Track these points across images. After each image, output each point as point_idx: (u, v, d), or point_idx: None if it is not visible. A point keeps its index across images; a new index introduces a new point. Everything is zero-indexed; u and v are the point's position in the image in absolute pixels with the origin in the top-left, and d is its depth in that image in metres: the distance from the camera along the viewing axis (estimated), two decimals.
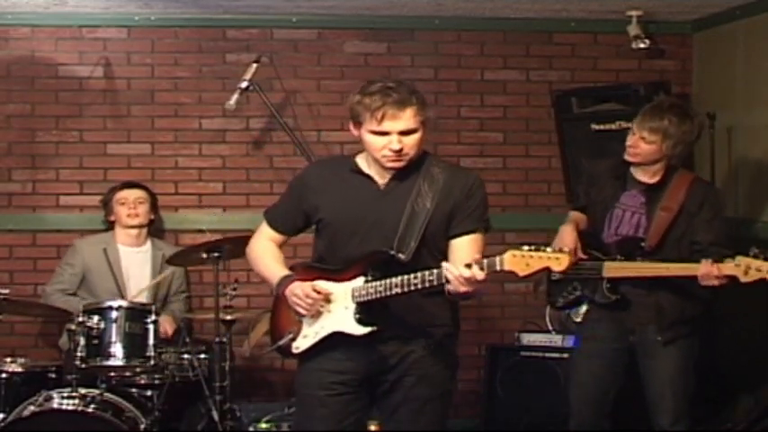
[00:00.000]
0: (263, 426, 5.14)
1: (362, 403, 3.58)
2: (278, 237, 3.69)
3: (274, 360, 5.88)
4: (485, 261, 3.22)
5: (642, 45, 5.77)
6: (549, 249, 3.16)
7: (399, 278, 3.32)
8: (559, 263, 3.14)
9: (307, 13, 5.82)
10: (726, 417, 5.02)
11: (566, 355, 5.30)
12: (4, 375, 4.78)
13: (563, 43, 6.05)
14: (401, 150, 3.39)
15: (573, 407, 4.47)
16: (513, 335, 5.63)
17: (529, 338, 5.52)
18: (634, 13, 5.69)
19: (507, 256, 3.18)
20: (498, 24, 5.96)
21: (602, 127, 5.50)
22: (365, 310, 3.41)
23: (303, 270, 3.59)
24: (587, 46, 6.05)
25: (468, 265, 3.22)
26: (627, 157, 4.30)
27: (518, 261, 3.16)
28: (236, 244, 5.04)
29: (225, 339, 4.97)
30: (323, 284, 3.46)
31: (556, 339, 5.43)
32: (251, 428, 5.13)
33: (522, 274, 3.18)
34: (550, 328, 5.52)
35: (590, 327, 4.45)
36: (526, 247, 3.17)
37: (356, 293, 3.42)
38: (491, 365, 5.50)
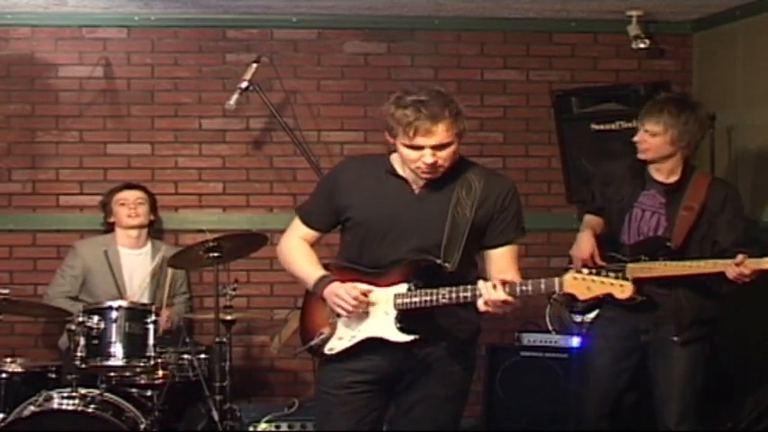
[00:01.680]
0: (263, 426, 5.14)
1: (382, 401, 3.58)
2: (311, 234, 3.63)
3: (274, 360, 5.89)
4: (527, 283, 3.25)
5: (642, 45, 5.78)
6: (611, 275, 3.16)
7: (448, 290, 3.32)
8: (623, 290, 3.14)
9: (307, 13, 5.82)
10: (726, 417, 5.02)
11: (566, 356, 5.30)
12: (4, 375, 4.77)
13: (563, 43, 6.05)
14: (435, 164, 3.36)
15: (576, 405, 4.46)
16: (513, 335, 5.63)
17: (529, 338, 5.52)
18: (634, 13, 5.69)
19: (568, 278, 3.18)
20: (498, 24, 5.96)
21: (602, 127, 5.50)
22: (407, 318, 3.39)
23: (339, 270, 3.54)
24: (587, 46, 6.05)
25: (494, 286, 3.25)
26: (640, 155, 4.32)
27: (579, 284, 3.17)
28: (236, 244, 5.07)
29: (225, 339, 4.97)
30: (367, 288, 3.43)
31: (556, 339, 5.43)
32: (251, 428, 5.13)
33: (582, 297, 3.19)
34: (550, 328, 5.51)
35: (602, 325, 4.46)
36: (586, 270, 3.17)
37: (399, 300, 3.39)
38: (491, 365, 5.49)
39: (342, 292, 3.41)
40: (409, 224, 3.43)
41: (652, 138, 4.24)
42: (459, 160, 3.49)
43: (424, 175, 3.41)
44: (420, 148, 3.33)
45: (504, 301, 3.25)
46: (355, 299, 3.40)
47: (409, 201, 3.46)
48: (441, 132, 3.32)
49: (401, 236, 3.44)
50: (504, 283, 3.26)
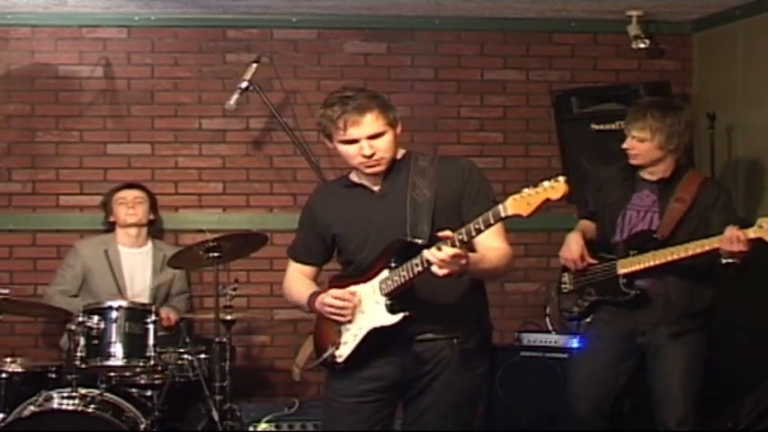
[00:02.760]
0: (263, 426, 5.14)
1: (389, 410, 3.59)
2: (308, 270, 3.70)
3: (274, 360, 5.89)
4: (477, 222, 3.20)
5: (642, 45, 5.78)
6: (545, 183, 3.13)
7: (417, 258, 3.30)
8: (555, 190, 3.11)
9: (307, 13, 5.82)
10: (726, 416, 5.02)
11: (566, 356, 5.30)
12: (4, 375, 4.77)
13: (563, 43, 6.05)
14: (373, 154, 3.43)
15: (570, 405, 4.46)
16: (513, 335, 5.63)
17: (529, 338, 5.51)
18: (634, 13, 5.70)
19: (509, 201, 3.16)
20: (498, 24, 5.96)
21: (602, 127, 5.49)
22: (395, 299, 3.40)
23: (333, 285, 3.58)
24: (587, 46, 6.05)
25: (439, 248, 3.22)
26: (631, 161, 4.33)
27: (519, 203, 3.14)
28: (236, 244, 5.07)
29: (225, 339, 4.97)
30: (361, 296, 3.46)
31: (556, 339, 5.42)
32: (251, 428, 5.13)
33: (525, 214, 3.16)
34: (550, 328, 5.51)
35: (598, 327, 4.46)
36: (525, 190, 3.15)
37: (383, 285, 3.42)
38: (491, 365, 5.48)
39: (328, 300, 3.47)
40: (380, 222, 3.49)
41: (640, 143, 4.26)
42: (409, 154, 3.55)
43: (368, 170, 3.47)
44: (355, 141, 3.41)
45: (454, 256, 3.21)
46: (339, 298, 3.44)
47: (372, 201, 3.53)
48: (369, 122, 3.40)
49: (378, 236, 3.48)
50: (444, 238, 3.24)
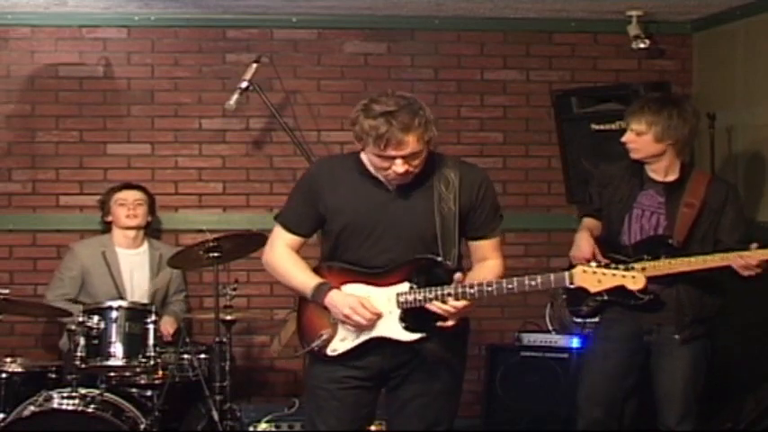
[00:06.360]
0: (263, 426, 5.14)
1: (373, 396, 3.60)
2: (296, 240, 3.59)
3: (274, 360, 5.89)
4: (535, 278, 3.33)
5: (642, 45, 5.78)
6: (621, 267, 3.20)
7: (452, 287, 3.34)
8: (635, 282, 3.20)
9: (307, 13, 5.82)
10: (726, 416, 5.02)
11: (566, 356, 5.30)
12: (4, 375, 4.77)
13: (563, 43, 6.05)
14: (406, 171, 3.37)
15: (581, 406, 4.46)
16: (513, 335, 5.63)
17: (529, 338, 5.52)
18: (634, 13, 5.70)
19: (577, 271, 3.21)
20: (498, 24, 5.96)
21: (602, 127, 5.49)
22: (410, 316, 3.41)
23: (333, 273, 3.53)
24: (587, 46, 6.05)
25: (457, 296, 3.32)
26: (631, 155, 4.33)
27: (589, 277, 3.20)
28: (236, 244, 5.07)
29: (225, 339, 4.97)
30: (372, 300, 3.43)
31: (556, 339, 5.43)
32: (251, 428, 5.13)
33: (593, 290, 3.24)
34: (550, 328, 5.52)
35: (605, 326, 4.44)
36: (594, 264, 3.22)
37: (401, 299, 3.41)
38: (491, 365, 5.50)
39: (349, 311, 3.40)
40: (390, 222, 3.45)
41: (638, 137, 4.27)
42: (432, 155, 3.50)
43: (394, 182, 3.43)
44: (391, 158, 3.34)
45: (465, 307, 3.35)
46: (363, 311, 3.40)
47: (386, 199, 3.47)
48: (412, 143, 3.32)
49: (384, 235, 3.45)
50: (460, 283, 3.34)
